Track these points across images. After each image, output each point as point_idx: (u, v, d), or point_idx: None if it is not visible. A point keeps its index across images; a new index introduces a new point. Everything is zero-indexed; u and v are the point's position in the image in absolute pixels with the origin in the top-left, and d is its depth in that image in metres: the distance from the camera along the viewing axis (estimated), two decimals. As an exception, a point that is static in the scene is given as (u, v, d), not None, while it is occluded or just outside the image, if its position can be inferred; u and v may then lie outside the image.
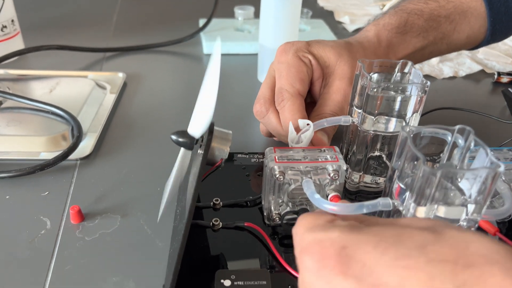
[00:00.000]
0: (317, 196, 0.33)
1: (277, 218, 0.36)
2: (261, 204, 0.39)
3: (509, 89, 0.44)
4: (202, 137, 0.34)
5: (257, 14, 0.77)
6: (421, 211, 0.28)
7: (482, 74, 0.69)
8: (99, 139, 0.48)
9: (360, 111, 0.39)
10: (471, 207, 0.28)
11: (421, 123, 0.37)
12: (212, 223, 0.37)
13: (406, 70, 0.40)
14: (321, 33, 0.77)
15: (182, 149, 0.36)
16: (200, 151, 0.32)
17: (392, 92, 0.37)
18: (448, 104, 0.56)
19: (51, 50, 0.64)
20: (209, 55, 0.71)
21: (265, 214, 0.37)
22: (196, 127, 0.32)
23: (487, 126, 0.54)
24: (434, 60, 0.71)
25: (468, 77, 0.68)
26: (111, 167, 0.45)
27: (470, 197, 0.28)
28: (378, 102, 0.37)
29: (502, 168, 0.26)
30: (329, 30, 0.79)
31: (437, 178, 0.26)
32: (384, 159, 0.41)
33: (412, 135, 0.30)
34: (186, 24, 0.80)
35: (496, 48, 0.77)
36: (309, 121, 0.40)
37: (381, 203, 0.31)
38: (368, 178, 0.42)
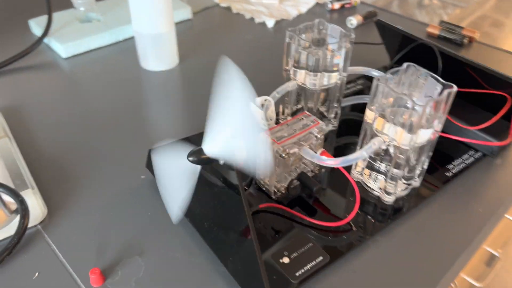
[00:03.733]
0: (323, 157, 0.38)
1: (283, 190, 0.41)
2: (253, 185, 0.42)
3: (380, 19, 0.54)
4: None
5: (97, -1, 0.70)
6: (411, 139, 0.36)
7: (317, 6, 0.80)
8: (43, 193, 0.42)
9: (301, 71, 0.44)
10: (436, 122, 0.38)
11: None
12: (234, 219, 0.39)
13: (321, 27, 0.46)
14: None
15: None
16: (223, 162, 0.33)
17: (329, 50, 0.43)
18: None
19: None
20: (70, 59, 0.63)
21: (271, 190, 0.41)
22: (215, 147, 0.32)
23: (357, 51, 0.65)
24: (276, 3, 0.79)
25: (308, 11, 0.79)
26: (80, 214, 0.40)
27: (434, 115, 0.37)
28: (323, 61, 0.43)
29: (455, 89, 0.36)
30: None
31: (424, 110, 0.35)
32: (319, 106, 0.48)
33: (385, 78, 0.37)
34: (13, 30, 0.68)
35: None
36: (266, 97, 0.43)
37: (376, 142, 0.38)
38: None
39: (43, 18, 0.66)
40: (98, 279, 0.35)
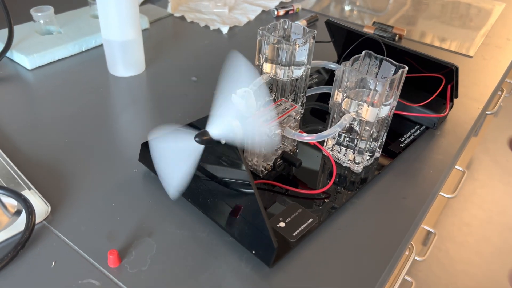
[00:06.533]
0: (305, 135, 0.45)
1: (269, 168, 0.46)
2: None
3: (332, 20, 0.62)
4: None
5: (56, 12, 0.72)
6: (375, 113, 0.44)
7: (264, 13, 0.87)
8: (41, 192, 0.44)
9: (273, 65, 0.50)
10: (392, 99, 0.45)
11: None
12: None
13: (286, 26, 0.52)
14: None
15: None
16: (224, 142, 0.38)
17: (297, 45, 0.50)
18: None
19: None
20: (35, 70, 0.64)
21: (259, 169, 0.46)
22: (218, 129, 0.37)
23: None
24: (226, 12, 0.85)
25: (256, 18, 0.85)
26: (82, 206, 0.43)
27: (392, 93, 0.45)
28: (293, 55, 0.49)
29: (406, 68, 0.44)
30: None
31: (386, 86, 0.42)
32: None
33: (347, 66, 0.44)
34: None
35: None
36: (245, 88, 0.49)
37: (346, 118, 0.45)
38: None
39: (3, 32, 0.66)
40: (115, 260, 0.38)
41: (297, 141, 0.49)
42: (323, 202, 0.44)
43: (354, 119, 0.45)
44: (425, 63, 0.55)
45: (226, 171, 0.40)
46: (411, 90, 0.57)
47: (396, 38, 0.78)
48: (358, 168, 0.48)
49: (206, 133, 0.38)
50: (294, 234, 0.40)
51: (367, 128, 0.45)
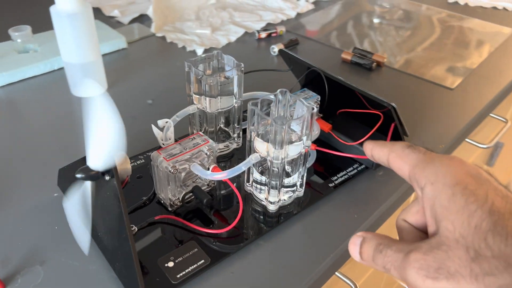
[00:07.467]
0: (208, 172, 0.44)
1: (178, 202, 0.45)
2: (155, 199, 0.47)
3: (284, 49, 0.61)
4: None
5: (35, 31, 0.75)
6: (280, 153, 0.42)
7: (246, 34, 0.87)
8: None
9: (201, 97, 0.49)
10: (304, 138, 0.43)
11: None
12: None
13: (220, 58, 0.52)
14: (105, 33, 0.81)
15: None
16: (108, 178, 0.38)
17: (222, 77, 0.49)
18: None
19: None
20: (5, 87, 0.68)
21: (167, 203, 0.45)
22: (98, 161, 0.37)
23: (273, 77, 0.71)
24: (208, 33, 0.85)
25: (238, 40, 0.85)
26: (-10, 230, 0.44)
27: (302, 132, 0.43)
28: (216, 87, 0.48)
29: (315, 110, 0.42)
30: (109, 28, 0.83)
31: (286, 128, 0.40)
32: (223, 126, 0.54)
33: (257, 105, 0.42)
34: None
35: (246, 9, 0.96)
36: (167, 119, 0.49)
37: (253, 158, 0.43)
38: (221, 145, 0.54)
39: (-19, 49, 0.70)
40: (-3, 287, 0.38)
41: (216, 175, 0.48)
42: (225, 241, 0.43)
43: (262, 158, 0.44)
44: (369, 99, 0.52)
45: (108, 206, 0.40)
46: (355, 126, 0.55)
47: (373, 65, 0.75)
48: (272, 208, 0.46)
49: (87, 168, 0.38)
50: (178, 276, 0.39)
51: (274, 168, 0.43)
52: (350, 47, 0.81)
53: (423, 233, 0.31)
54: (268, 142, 0.42)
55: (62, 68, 0.73)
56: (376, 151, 0.34)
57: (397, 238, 0.32)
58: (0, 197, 0.48)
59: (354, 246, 0.30)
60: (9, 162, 0.53)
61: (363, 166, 0.53)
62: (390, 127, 0.51)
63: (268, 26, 0.89)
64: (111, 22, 0.90)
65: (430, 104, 0.67)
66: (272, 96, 0.54)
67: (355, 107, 0.55)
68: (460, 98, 0.69)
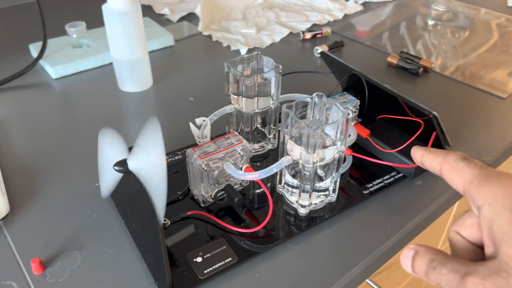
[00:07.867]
0: (240, 171, 0.44)
1: (210, 199, 0.46)
2: (190, 195, 0.48)
3: (326, 51, 0.60)
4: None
5: (89, 27, 0.79)
6: (312, 157, 0.42)
7: (291, 35, 0.87)
8: (9, 193, 0.49)
9: (238, 97, 0.50)
10: (338, 143, 0.43)
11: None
12: (163, 224, 0.44)
13: (259, 59, 0.52)
14: (154, 30, 0.83)
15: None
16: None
17: (260, 78, 0.49)
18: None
19: None
20: (59, 79, 0.72)
21: (200, 200, 0.47)
22: (138, 165, 0.39)
23: (315, 79, 0.71)
24: (253, 33, 0.86)
25: (282, 40, 0.85)
26: (38, 212, 0.47)
27: (336, 137, 0.43)
28: (253, 88, 0.49)
29: (350, 115, 0.41)
30: (159, 26, 0.86)
31: (319, 132, 0.40)
32: (259, 127, 0.54)
33: (292, 108, 0.43)
34: (15, 53, 0.77)
35: (293, 9, 0.96)
36: (204, 118, 0.50)
37: (285, 160, 0.44)
38: (256, 145, 0.54)
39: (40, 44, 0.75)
40: (38, 268, 0.41)
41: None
42: (254, 241, 0.43)
43: (294, 161, 0.44)
44: (410, 106, 0.50)
45: (142, 200, 0.41)
46: (396, 133, 0.53)
47: (420, 71, 0.72)
48: (303, 211, 0.46)
49: (125, 162, 0.39)
50: (205, 272, 0.40)
51: (306, 172, 0.43)
52: (402, 49, 0.79)
53: (477, 248, 0.30)
54: (300, 145, 0.42)
55: (111, 63, 0.76)
56: (427, 158, 0.33)
57: (438, 247, 0.31)
58: (47, 184, 0.51)
59: (406, 258, 0.30)
60: (58, 150, 0.57)
61: (400, 175, 0.51)
62: (431, 136, 0.50)
63: (314, 27, 0.88)
64: (161, 19, 0.92)
65: (478, 113, 0.64)
66: (308, 99, 0.54)
67: (396, 113, 0.54)
68: (511, 108, 0.66)
